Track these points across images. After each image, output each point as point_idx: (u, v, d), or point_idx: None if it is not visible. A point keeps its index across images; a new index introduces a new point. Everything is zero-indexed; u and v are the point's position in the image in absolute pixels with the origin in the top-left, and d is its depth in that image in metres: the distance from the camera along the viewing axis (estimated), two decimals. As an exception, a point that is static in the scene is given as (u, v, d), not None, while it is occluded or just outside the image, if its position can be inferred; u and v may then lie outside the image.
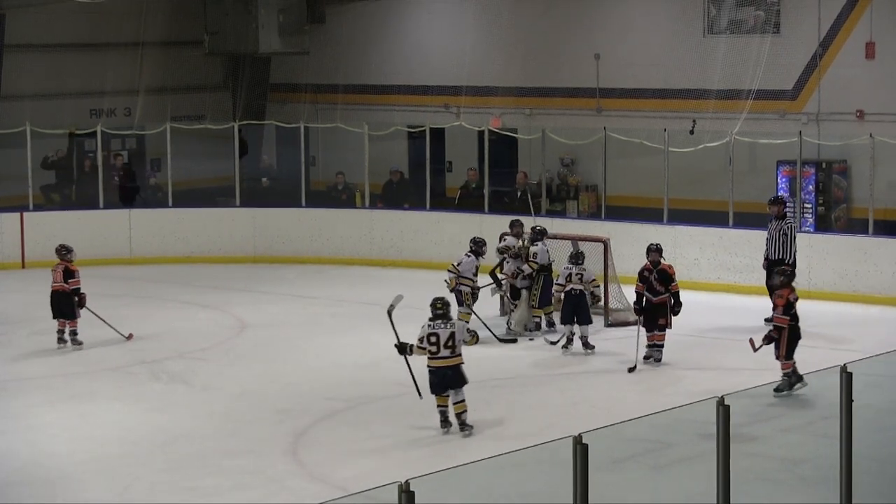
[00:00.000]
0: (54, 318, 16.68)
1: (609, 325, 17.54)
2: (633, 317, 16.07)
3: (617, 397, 14.42)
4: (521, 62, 24.67)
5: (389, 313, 13.74)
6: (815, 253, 19.27)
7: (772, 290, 16.72)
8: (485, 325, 16.85)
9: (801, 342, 13.88)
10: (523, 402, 14.12)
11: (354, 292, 20.46)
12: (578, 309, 16.09)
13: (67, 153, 25.03)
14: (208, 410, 13.95)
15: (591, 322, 16.26)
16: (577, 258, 16.37)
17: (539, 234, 17.39)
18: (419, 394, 13.38)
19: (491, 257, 17.70)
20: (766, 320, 16.22)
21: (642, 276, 15.49)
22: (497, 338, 16.76)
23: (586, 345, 16.14)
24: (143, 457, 12.38)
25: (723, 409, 7.79)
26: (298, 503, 11.12)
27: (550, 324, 17.05)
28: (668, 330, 15.51)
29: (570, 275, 16.18)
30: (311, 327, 18.06)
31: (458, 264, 16.85)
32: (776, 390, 13.51)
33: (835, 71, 21.58)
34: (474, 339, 16.08)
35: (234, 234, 23.18)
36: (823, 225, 21.15)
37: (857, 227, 20.40)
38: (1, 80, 24.78)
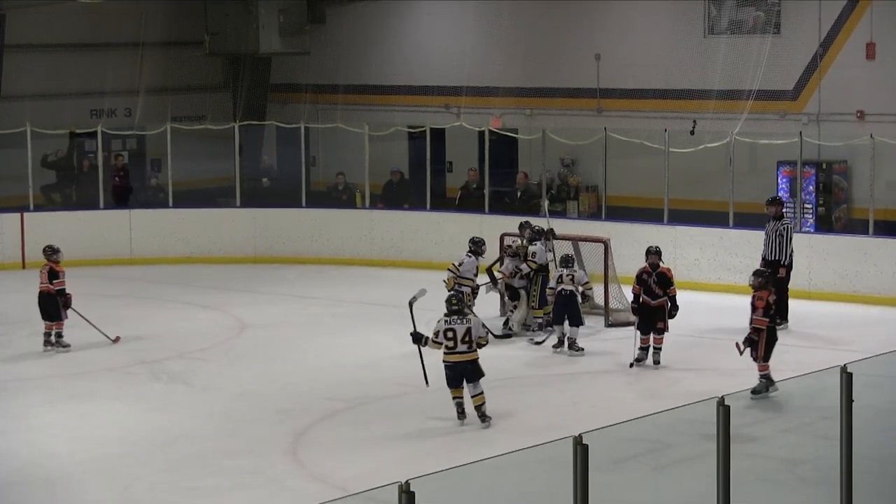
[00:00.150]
0: (43, 319, 16.53)
1: (609, 325, 17.54)
2: (633, 317, 16.06)
3: (617, 397, 14.42)
4: (522, 62, 24.68)
5: (411, 304, 14.04)
6: (816, 253, 19.26)
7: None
8: (483, 324, 16.83)
9: (800, 343, 13.89)
10: (523, 402, 14.12)
11: (354, 292, 20.46)
12: (569, 309, 16.11)
13: (68, 153, 25.04)
14: (208, 410, 13.94)
15: (582, 324, 16.24)
16: (566, 261, 16.44)
17: (538, 234, 17.37)
18: (426, 381, 13.72)
19: (490, 257, 17.69)
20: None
21: (640, 279, 15.45)
22: (494, 335, 16.75)
23: (572, 346, 16.11)
24: (143, 457, 12.37)
25: (723, 410, 7.79)
26: (298, 503, 11.12)
27: (549, 324, 17.05)
28: (665, 333, 15.51)
29: (560, 276, 16.22)
30: (311, 327, 18.06)
31: (460, 265, 16.88)
32: (753, 392, 13.55)
33: (835, 71, 21.59)
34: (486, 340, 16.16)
35: (235, 234, 23.18)
36: (824, 225, 21.15)
37: (857, 227, 20.40)
38: (1, 80, 24.79)
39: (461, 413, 13.17)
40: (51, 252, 16.56)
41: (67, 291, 16.48)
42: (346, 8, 27.04)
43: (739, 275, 19.64)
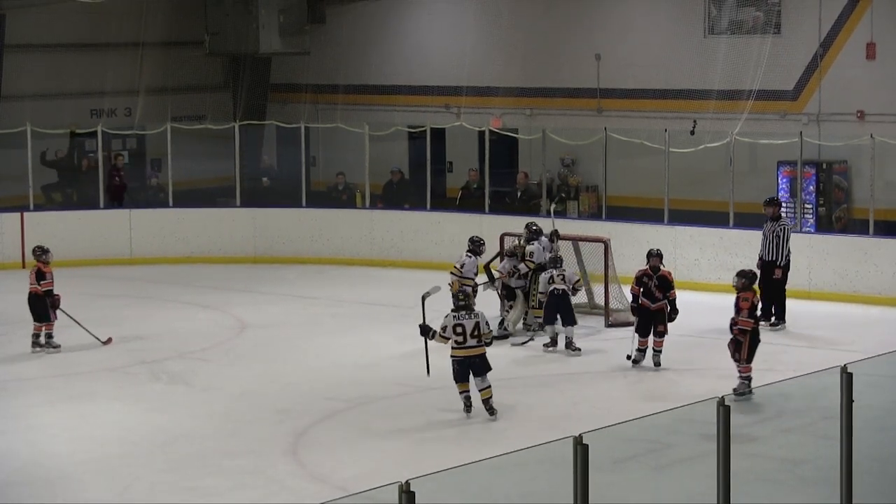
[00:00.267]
0: (33, 321, 16.47)
1: (609, 325, 17.54)
2: (633, 317, 16.05)
3: (617, 397, 14.43)
4: (522, 62, 24.68)
5: (423, 299, 14.11)
6: (816, 253, 19.26)
7: (765, 290, 16.78)
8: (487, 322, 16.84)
9: (800, 343, 13.91)
10: (523, 402, 14.11)
11: (355, 292, 20.46)
12: (562, 309, 16.10)
13: (68, 153, 25.04)
14: (208, 410, 13.94)
15: (575, 323, 16.22)
16: (555, 262, 16.47)
17: (535, 234, 17.36)
18: (428, 371, 13.85)
19: (488, 256, 17.67)
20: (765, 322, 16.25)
21: (640, 281, 15.39)
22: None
23: (570, 346, 16.10)
24: (143, 457, 12.37)
25: (723, 410, 7.78)
26: (298, 503, 11.12)
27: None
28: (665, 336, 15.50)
29: (551, 277, 16.23)
30: (311, 327, 18.06)
31: (461, 266, 16.88)
32: (738, 393, 13.53)
33: (835, 71, 21.59)
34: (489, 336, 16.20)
35: (235, 234, 23.17)
36: (824, 225, 21.16)
37: (857, 227, 20.41)
38: (1, 80, 24.79)
39: (468, 407, 13.33)
40: (40, 252, 16.47)
41: (56, 292, 16.36)
42: (346, 8, 27.04)
43: (739, 275, 19.66)
